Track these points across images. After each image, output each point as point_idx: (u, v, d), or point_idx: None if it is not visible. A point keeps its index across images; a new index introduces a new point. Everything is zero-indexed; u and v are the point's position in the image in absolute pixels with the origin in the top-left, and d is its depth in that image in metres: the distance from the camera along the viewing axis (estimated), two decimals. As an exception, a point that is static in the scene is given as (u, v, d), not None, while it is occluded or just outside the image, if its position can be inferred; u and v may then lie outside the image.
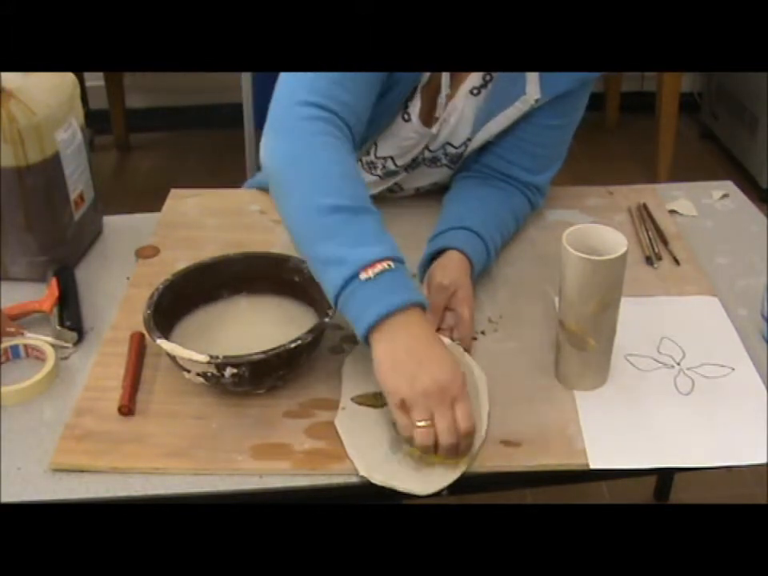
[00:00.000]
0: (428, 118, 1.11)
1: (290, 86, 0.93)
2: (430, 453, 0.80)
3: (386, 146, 1.14)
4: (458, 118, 1.12)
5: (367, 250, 0.81)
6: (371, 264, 0.80)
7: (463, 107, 1.12)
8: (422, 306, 0.82)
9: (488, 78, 1.10)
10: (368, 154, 1.15)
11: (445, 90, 1.08)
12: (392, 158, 1.15)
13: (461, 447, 0.80)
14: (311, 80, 0.92)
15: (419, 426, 0.78)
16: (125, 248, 1.15)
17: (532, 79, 1.06)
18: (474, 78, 1.10)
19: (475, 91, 1.11)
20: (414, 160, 1.17)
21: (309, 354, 0.90)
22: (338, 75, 0.92)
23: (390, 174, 1.18)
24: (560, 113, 1.11)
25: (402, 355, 0.79)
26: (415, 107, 1.09)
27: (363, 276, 0.80)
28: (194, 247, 1.12)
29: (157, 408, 0.89)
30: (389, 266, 0.81)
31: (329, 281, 0.83)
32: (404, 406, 0.78)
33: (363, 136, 1.10)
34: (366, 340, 0.81)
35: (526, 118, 1.10)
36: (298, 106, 0.90)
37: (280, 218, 0.90)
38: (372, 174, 1.18)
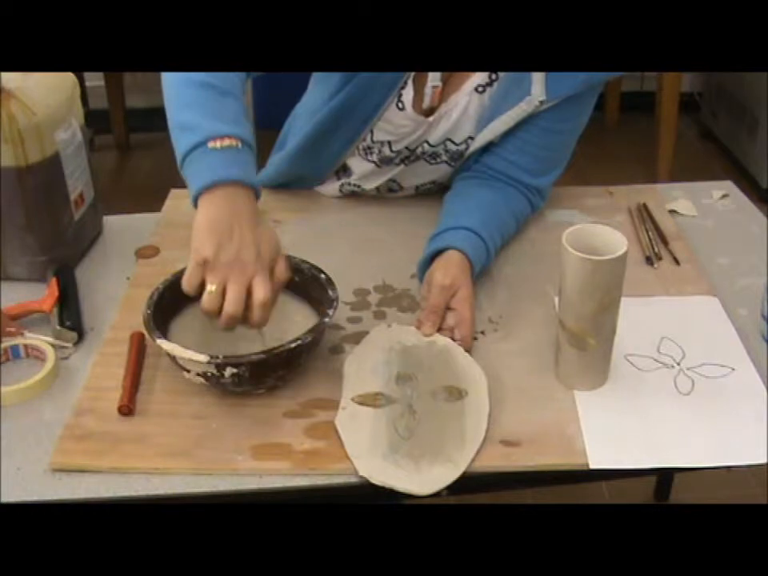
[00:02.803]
0: (421, 107, 1.11)
1: None
2: (214, 318, 0.82)
3: (382, 132, 1.14)
4: (460, 114, 1.12)
5: (222, 126, 0.88)
6: (221, 137, 0.86)
7: (467, 104, 1.12)
8: (255, 191, 0.87)
9: (494, 76, 1.10)
10: (364, 139, 1.16)
11: (432, 81, 1.09)
12: (388, 143, 1.15)
13: (253, 318, 0.82)
14: None
15: (209, 291, 0.81)
16: (125, 248, 1.15)
17: (537, 80, 1.06)
18: (479, 76, 1.10)
19: (480, 89, 1.11)
20: (412, 151, 1.16)
21: (309, 354, 0.90)
22: None
23: (386, 160, 1.18)
24: (565, 117, 1.11)
25: (220, 223, 0.83)
26: (408, 96, 1.10)
27: (211, 145, 0.86)
28: (194, 247, 1.12)
29: (157, 408, 0.89)
30: (236, 144, 0.87)
31: (180, 144, 0.89)
32: (202, 265, 0.81)
33: (357, 121, 1.12)
34: (196, 203, 0.86)
35: (530, 119, 1.09)
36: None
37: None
38: (368, 160, 1.18)
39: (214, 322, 0.83)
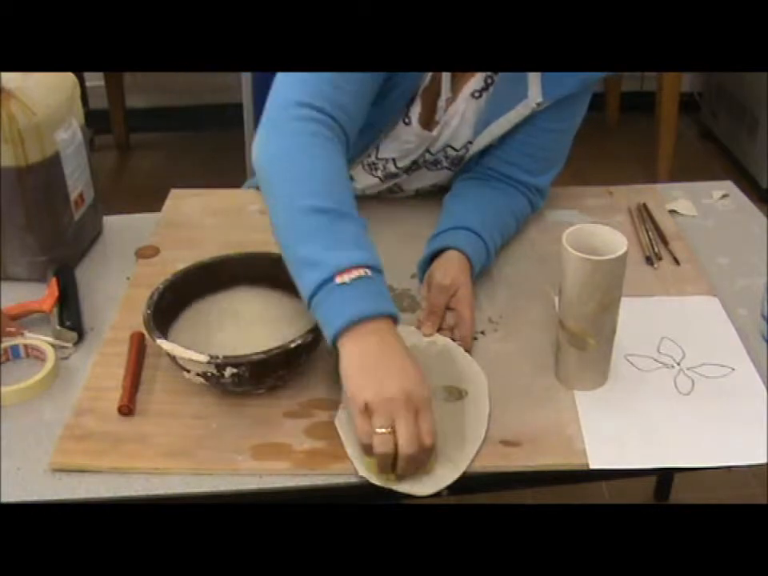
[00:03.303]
0: (428, 121, 1.11)
1: (286, 87, 0.93)
2: (387, 468, 0.78)
3: (387, 149, 1.14)
4: (459, 121, 1.12)
5: (345, 255, 0.81)
6: (348, 269, 0.79)
7: (464, 110, 1.12)
8: (394, 319, 0.81)
9: (489, 81, 1.10)
10: (369, 156, 1.15)
11: (445, 94, 1.08)
12: (393, 160, 1.15)
13: (419, 461, 0.78)
14: (306, 80, 0.92)
15: (379, 433, 0.76)
16: (125, 248, 1.15)
17: (534, 83, 1.06)
18: (475, 81, 1.10)
19: (477, 94, 1.11)
20: (414, 162, 1.17)
21: (309, 354, 0.90)
22: (333, 76, 0.92)
23: (390, 175, 1.18)
24: (562, 116, 1.11)
25: (370, 360, 0.78)
26: (415, 111, 1.09)
27: (339, 280, 0.79)
28: (194, 247, 1.12)
29: (157, 408, 0.89)
30: (365, 273, 0.80)
31: (305, 282, 0.82)
32: (367, 411, 0.76)
33: (365, 139, 1.10)
34: (334, 344, 0.80)
35: (527, 120, 1.10)
36: (292, 107, 0.90)
37: (282, 252, 0.88)
38: (373, 175, 1.18)
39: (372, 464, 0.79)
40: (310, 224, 0.83)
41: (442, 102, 1.09)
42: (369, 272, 0.80)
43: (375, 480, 0.80)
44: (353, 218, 0.85)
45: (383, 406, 0.76)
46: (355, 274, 0.79)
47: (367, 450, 0.78)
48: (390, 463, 0.77)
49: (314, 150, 0.88)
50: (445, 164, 1.18)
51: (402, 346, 0.80)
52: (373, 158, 1.16)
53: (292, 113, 0.90)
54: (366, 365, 0.78)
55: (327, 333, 0.80)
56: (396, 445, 0.76)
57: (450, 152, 1.16)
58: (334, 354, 0.81)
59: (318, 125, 0.89)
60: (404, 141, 1.12)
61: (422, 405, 0.77)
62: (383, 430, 0.76)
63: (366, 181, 1.19)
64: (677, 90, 2.65)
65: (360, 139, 1.11)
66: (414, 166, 1.18)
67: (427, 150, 1.15)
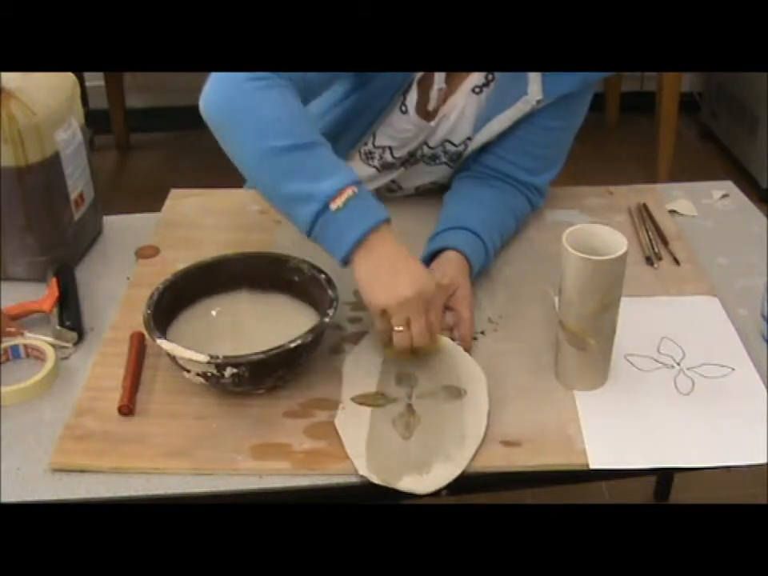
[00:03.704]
0: (426, 111, 1.11)
1: None
2: (405, 352, 0.90)
3: (384, 137, 1.14)
4: (458, 116, 1.12)
5: (331, 182, 0.86)
6: (338, 194, 0.85)
7: (464, 105, 1.12)
8: (388, 221, 0.88)
9: (490, 77, 1.10)
10: (366, 144, 1.15)
11: (438, 84, 1.09)
12: (390, 149, 1.15)
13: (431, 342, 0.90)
14: None
15: (397, 331, 0.86)
16: (125, 248, 1.15)
17: (534, 80, 1.06)
18: (476, 77, 1.10)
19: (477, 90, 1.11)
20: (412, 155, 1.17)
21: (309, 354, 0.90)
22: None
23: (387, 166, 1.18)
24: (562, 115, 1.11)
25: (381, 270, 0.86)
26: (412, 100, 1.09)
27: (333, 206, 0.85)
28: (194, 247, 1.12)
29: (157, 408, 0.89)
30: (353, 191, 0.86)
31: (300, 217, 0.88)
32: (384, 313, 0.86)
33: (360, 125, 1.11)
34: (346, 264, 0.87)
35: (527, 118, 1.10)
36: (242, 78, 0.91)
37: (262, 193, 0.93)
38: (369, 164, 1.18)
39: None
40: (286, 162, 0.88)
41: (434, 92, 1.09)
42: (356, 189, 0.86)
43: (375, 479, 0.80)
44: (323, 144, 0.90)
45: (399, 309, 0.85)
46: (345, 195, 0.86)
47: (387, 343, 0.90)
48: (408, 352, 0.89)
49: (267, 92, 0.90)
50: (443, 159, 1.18)
51: (402, 249, 0.88)
52: (369, 147, 1.16)
53: (242, 76, 0.91)
54: (379, 275, 0.86)
55: (337, 256, 0.87)
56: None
57: (449, 147, 1.16)
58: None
59: (268, 78, 0.91)
60: (401, 129, 1.12)
61: (431, 300, 0.87)
62: (401, 329, 0.86)
63: (362, 171, 1.19)
64: (677, 90, 2.64)
65: (354, 125, 1.12)
66: (412, 160, 1.18)
67: (425, 144, 1.15)
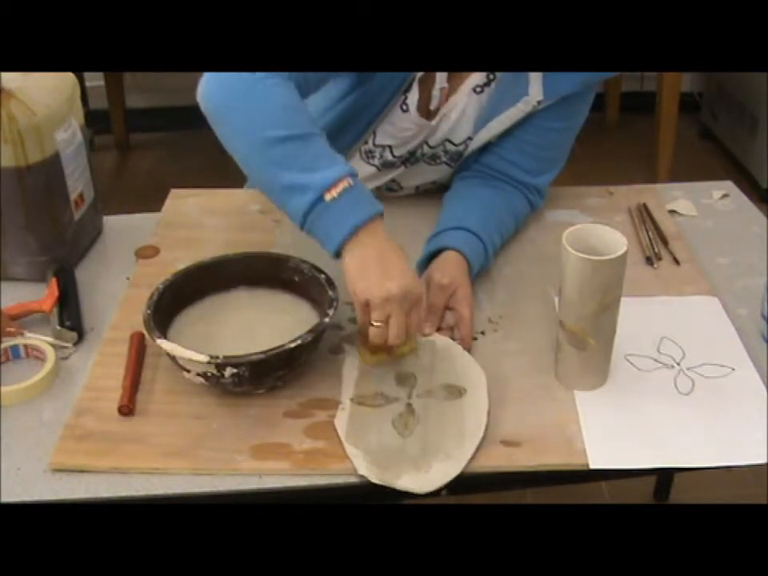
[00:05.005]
0: (427, 110, 1.11)
1: None
2: (379, 350, 0.91)
3: (385, 135, 1.14)
4: (459, 115, 1.12)
5: (326, 173, 0.86)
6: (333, 185, 0.86)
7: (465, 105, 1.12)
8: (381, 214, 0.88)
9: (491, 76, 1.10)
10: (366, 142, 1.15)
11: (440, 83, 1.09)
12: (390, 148, 1.15)
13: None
14: None
15: (375, 326, 0.86)
16: (125, 248, 1.15)
17: (535, 80, 1.06)
18: (477, 76, 1.10)
19: (478, 89, 1.11)
20: (412, 154, 1.17)
21: (309, 354, 0.90)
22: None
23: (387, 165, 1.18)
24: (563, 116, 1.11)
25: (370, 262, 0.86)
26: (413, 98, 1.09)
27: (328, 197, 0.86)
28: (194, 247, 1.12)
29: (157, 408, 0.89)
30: (348, 183, 0.86)
31: (294, 207, 0.88)
32: (367, 306, 0.86)
33: (360, 123, 1.11)
34: (337, 254, 0.87)
35: (528, 119, 1.10)
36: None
37: (258, 184, 0.94)
38: (370, 163, 1.18)
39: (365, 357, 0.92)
40: (283, 152, 0.88)
41: (436, 91, 1.09)
42: (350, 181, 0.87)
43: (375, 479, 0.80)
44: (318, 136, 0.90)
45: (381, 304, 0.85)
46: (340, 187, 0.86)
47: (363, 338, 0.90)
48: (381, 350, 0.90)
49: (264, 83, 0.90)
50: (444, 159, 1.18)
51: (394, 244, 0.88)
52: (370, 145, 1.16)
53: (240, 73, 0.91)
54: (367, 267, 0.86)
55: (329, 247, 0.87)
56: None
57: (449, 147, 1.16)
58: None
59: (266, 73, 0.91)
60: (401, 128, 1.12)
61: (415, 301, 0.88)
62: (378, 324, 0.86)
63: (362, 170, 1.19)
64: (677, 90, 2.64)
65: (354, 123, 1.12)
66: (413, 159, 1.18)
67: (426, 143, 1.15)
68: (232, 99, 0.91)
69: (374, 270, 0.86)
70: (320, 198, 0.86)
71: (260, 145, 0.89)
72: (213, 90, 0.93)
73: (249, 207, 1.24)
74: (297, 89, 0.94)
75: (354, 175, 0.88)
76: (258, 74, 0.90)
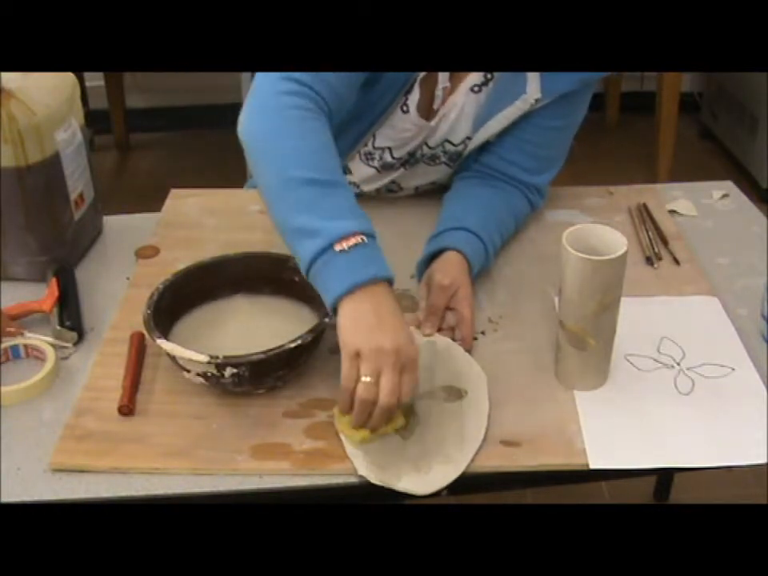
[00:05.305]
0: (427, 110, 1.11)
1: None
2: (362, 419, 0.81)
3: (384, 138, 1.14)
4: (457, 115, 1.12)
5: (342, 224, 0.84)
6: (346, 237, 0.83)
7: (463, 104, 1.12)
8: (390, 281, 0.85)
9: (489, 76, 1.10)
10: (366, 144, 1.15)
11: (442, 82, 1.09)
12: (389, 149, 1.15)
13: (391, 414, 0.82)
14: None
15: (364, 381, 0.80)
16: (125, 248, 1.15)
17: (533, 79, 1.06)
18: (475, 76, 1.10)
19: (476, 89, 1.11)
20: (412, 155, 1.17)
21: (309, 354, 0.90)
22: None
23: (387, 166, 1.18)
24: (561, 114, 1.11)
25: (366, 315, 0.82)
26: (414, 99, 1.09)
27: (338, 248, 0.83)
28: (194, 247, 1.12)
29: (157, 408, 0.89)
30: (362, 240, 0.83)
31: (303, 250, 0.85)
32: (356, 358, 0.80)
33: (361, 126, 1.11)
34: (334, 309, 0.83)
35: (526, 118, 1.10)
36: (279, 80, 0.91)
37: (274, 223, 0.90)
38: (369, 165, 1.18)
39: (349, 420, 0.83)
40: (306, 195, 0.86)
41: (439, 91, 1.09)
42: (365, 239, 0.84)
43: (375, 480, 0.80)
44: (344, 187, 0.88)
45: (373, 356, 0.80)
46: (353, 241, 0.83)
47: (345, 396, 0.82)
48: (365, 418, 0.82)
49: (302, 124, 0.90)
50: (443, 159, 1.18)
51: (396, 307, 0.84)
52: (369, 147, 1.16)
53: (278, 86, 0.91)
54: (361, 319, 0.82)
55: (328, 298, 0.84)
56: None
57: (449, 147, 1.16)
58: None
59: (302, 98, 0.91)
60: (401, 129, 1.12)
61: (408, 363, 0.81)
62: (368, 379, 0.80)
63: (362, 172, 1.19)
64: (677, 90, 2.64)
65: (355, 126, 1.11)
66: (412, 160, 1.18)
67: (425, 144, 1.15)
68: (269, 135, 0.90)
69: (367, 322, 0.81)
70: (329, 247, 0.82)
71: (285, 183, 0.87)
72: (250, 125, 0.92)
73: (249, 207, 1.24)
74: (328, 107, 0.93)
75: (370, 235, 0.85)
76: (296, 112, 0.89)
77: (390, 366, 0.80)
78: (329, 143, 0.91)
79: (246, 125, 0.92)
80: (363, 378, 0.80)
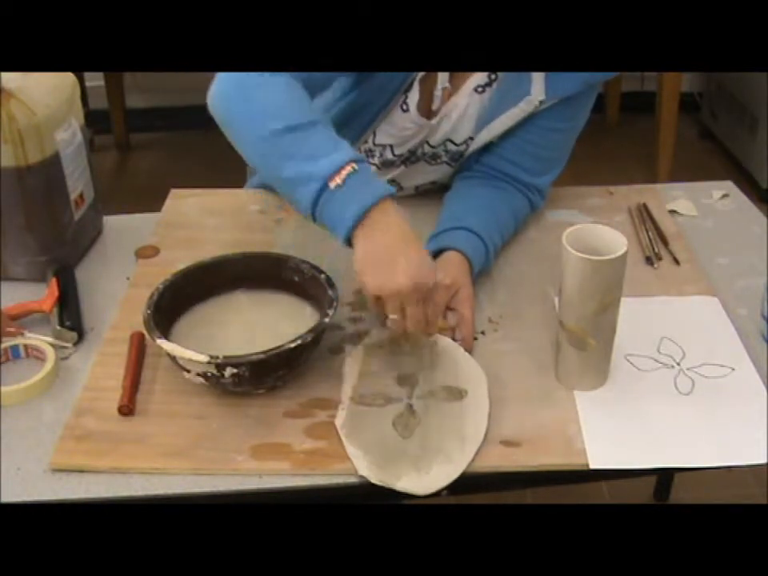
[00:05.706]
0: (427, 110, 1.11)
1: None
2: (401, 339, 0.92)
3: (385, 135, 1.14)
4: (460, 115, 1.12)
5: (329, 160, 0.85)
6: (337, 171, 0.84)
7: (467, 104, 1.12)
8: (392, 196, 0.86)
9: (493, 76, 1.10)
10: (366, 142, 1.16)
11: (441, 83, 1.09)
12: (390, 147, 1.15)
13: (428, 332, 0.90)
14: None
15: (392, 318, 0.86)
16: (125, 248, 1.15)
17: (537, 80, 1.06)
18: (479, 76, 1.10)
19: (480, 89, 1.11)
20: (413, 153, 1.17)
21: (309, 354, 0.90)
22: None
23: (387, 163, 1.18)
24: (564, 116, 1.11)
25: (381, 254, 0.84)
26: (414, 98, 1.09)
27: (332, 184, 0.84)
28: (194, 247, 1.12)
29: (157, 408, 0.89)
30: (353, 168, 0.85)
31: (301, 199, 0.87)
32: (378, 299, 0.86)
33: (360, 122, 1.11)
34: (348, 243, 0.85)
35: (529, 119, 1.10)
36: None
37: (267, 180, 0.95)
38: (370, 162, 1.18)
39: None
40: (285, 143, 0.87)
41: (438, 92, 1.09)
42: (355, 166, 0.85)
43: (375, 480, 0.80)
44: (319, 123, 0.89)
45: (393, 297, 0.84)
46: (344, 173, 0.84)
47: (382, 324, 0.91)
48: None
49: (269, 82, 0.91)
50: (444, 158, 1.18)
51: (407, 230, 0.85)
52: (369, 144, 1.16)
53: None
54: (377, 259, 0.84)
55: (339, 236, 0.86)
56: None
57: (450, 146, 1.16)
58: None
59: (273, 74, 0.92)
60: (401, 127, 1.12)
61: (428, 293, 0.85)
62: (395, 316, 0.86)
63: None
64: (677, 90, 2.64)
65: (355, 122, 1.11)
66: (413, 158, 1.18)
67: (427, 142, 1.15)
68: (237, 99, 0.92)
69: (381, 261, 0.84)
70: (325, 187, 0.84)
71: (264, 139, 0.89)
72: (219, 91, 0.94)
73: (249, 207, 1.24)
74: (302, 84, 0.94)
75: (358, 160, 0.86)
76: (265, 74, 0.91)
77: (411, 303, 0.84)
78: (296, 91, 0.92)
79: (216, 95, 0.94)
80: (390, 316, 0.86)
